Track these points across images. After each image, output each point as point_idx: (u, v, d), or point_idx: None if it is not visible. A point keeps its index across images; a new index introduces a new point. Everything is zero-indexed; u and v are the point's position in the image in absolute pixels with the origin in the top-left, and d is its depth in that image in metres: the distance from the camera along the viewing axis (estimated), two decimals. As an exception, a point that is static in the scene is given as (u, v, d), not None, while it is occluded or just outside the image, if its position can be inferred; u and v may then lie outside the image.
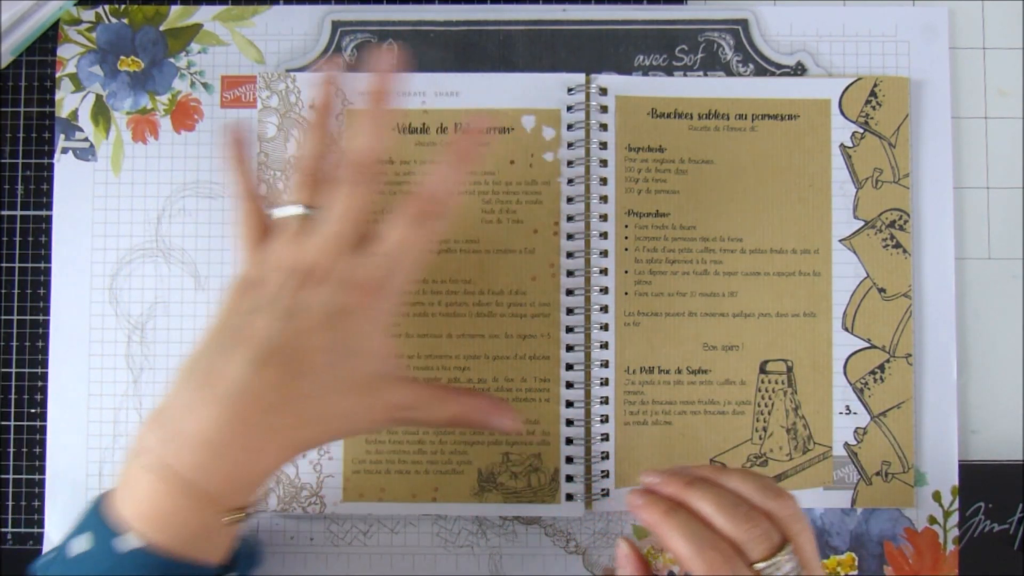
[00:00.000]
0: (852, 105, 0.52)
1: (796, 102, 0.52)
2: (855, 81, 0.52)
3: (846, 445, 0.51)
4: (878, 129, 0.52)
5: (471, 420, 0.41)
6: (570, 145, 0.51)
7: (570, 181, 0.51)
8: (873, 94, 0.52)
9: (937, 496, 0.51)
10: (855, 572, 0.51)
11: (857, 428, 0.51)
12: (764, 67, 0.53)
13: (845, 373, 0.51)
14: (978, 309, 0.53)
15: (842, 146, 0.52)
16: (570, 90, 0.52)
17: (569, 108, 0.51)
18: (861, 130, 0.52)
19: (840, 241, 0.52)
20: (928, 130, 0.53)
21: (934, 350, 0.52)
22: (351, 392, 0.38)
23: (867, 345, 0.51)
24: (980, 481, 0.51)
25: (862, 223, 0.52)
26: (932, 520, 0.51)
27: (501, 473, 0.50)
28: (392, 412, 0.39)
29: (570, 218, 0.51)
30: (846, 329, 0.51)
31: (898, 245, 0.52)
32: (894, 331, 0.52)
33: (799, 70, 0.53)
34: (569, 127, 0.51)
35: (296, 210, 0.40)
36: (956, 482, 0.51)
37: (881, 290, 0.52)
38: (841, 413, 0.51)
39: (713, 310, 0.51)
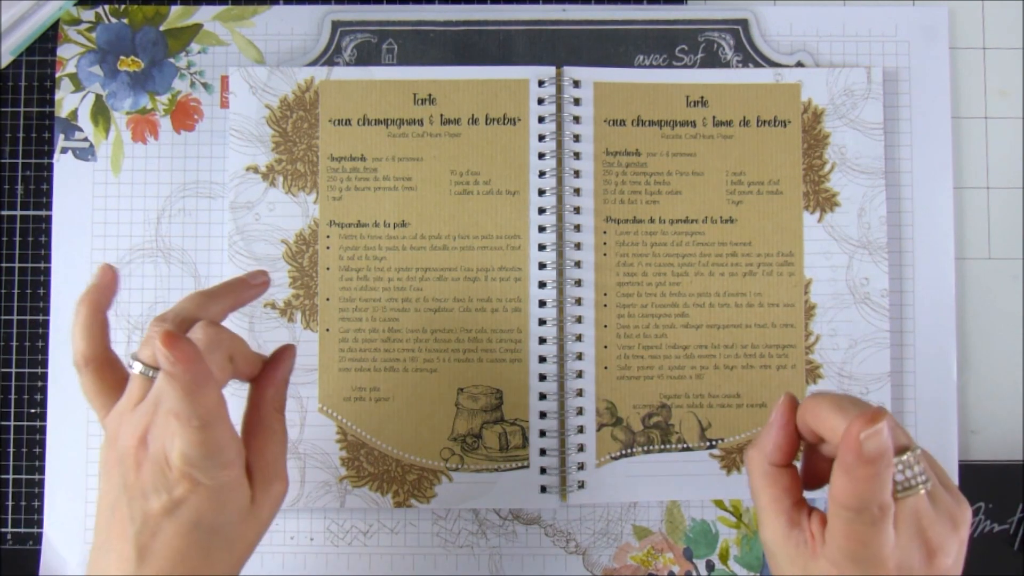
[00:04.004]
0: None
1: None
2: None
3: (846, 445, 0.51)
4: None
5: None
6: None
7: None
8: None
9: (937, 496, 0.51)
10: (855, 572, 0.51)
11: (857, 428, 0.51)
12: (764, 67, 0.53)
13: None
14: (978, 309, 0.53)
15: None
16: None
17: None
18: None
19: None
20: (928, 130, 0.53)
21: (934, 350, 0.52)
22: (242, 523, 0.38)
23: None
24: (980, 481, 0.51)
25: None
26: (932, 520, 0.51)
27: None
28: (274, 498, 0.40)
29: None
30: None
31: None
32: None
33: (799, 70, 0.53)
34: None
35: (138, 368, 0.38)
36: (956, 482, 0.51)
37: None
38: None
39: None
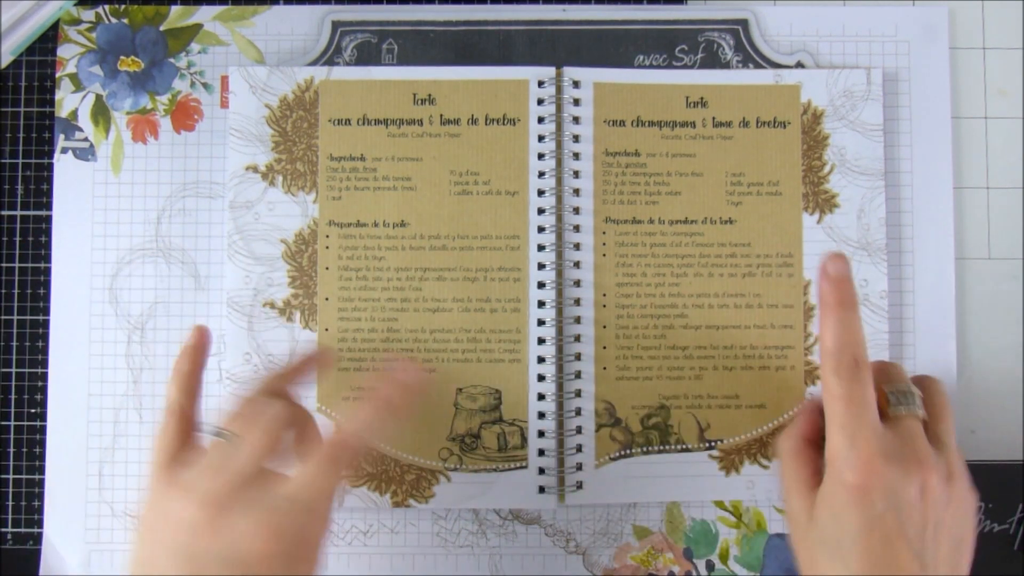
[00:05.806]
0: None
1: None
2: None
3: (846, 445, 0.51)
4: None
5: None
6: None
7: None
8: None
9: (937, 496, 0.51)
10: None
11: (857, 428, 0.51)
12: (764, 67, 0.53)
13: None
14: (978, 309, 0.53)
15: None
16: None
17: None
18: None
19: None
20: (928, 130, 0.53)
21: (934, 350, 0.52)
22: None
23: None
24: (980, 481, 0.51)
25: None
26: (931, 520, 0.51)
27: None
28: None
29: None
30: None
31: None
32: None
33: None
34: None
35: (213, 436, 0.39)
36: (956, 482, 0.51)
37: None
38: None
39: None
